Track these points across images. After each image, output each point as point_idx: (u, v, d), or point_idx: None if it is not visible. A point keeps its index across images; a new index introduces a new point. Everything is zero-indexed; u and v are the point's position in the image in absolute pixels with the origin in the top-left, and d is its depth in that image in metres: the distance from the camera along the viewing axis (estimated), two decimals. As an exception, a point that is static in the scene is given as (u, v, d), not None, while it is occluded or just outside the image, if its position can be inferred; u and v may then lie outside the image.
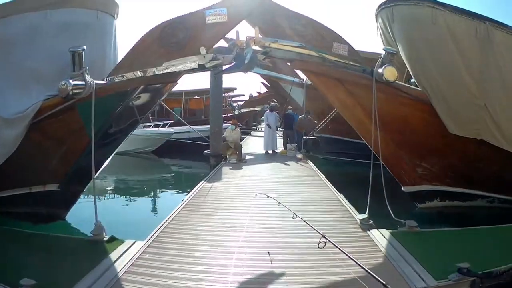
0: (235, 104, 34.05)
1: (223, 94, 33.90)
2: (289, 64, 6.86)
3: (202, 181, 8.62)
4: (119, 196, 12.13)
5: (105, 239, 5.04)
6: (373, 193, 5.98)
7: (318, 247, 3.04)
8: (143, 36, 6.40)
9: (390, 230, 5.21)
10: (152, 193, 12.77)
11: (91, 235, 5.15)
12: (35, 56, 6.32)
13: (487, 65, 6.55)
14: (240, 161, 11.77)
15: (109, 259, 4.33)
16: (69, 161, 6.84)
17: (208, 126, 13.11)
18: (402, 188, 7.81)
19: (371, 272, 2.64)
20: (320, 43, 6.67)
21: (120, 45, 7.70)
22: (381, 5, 7.31)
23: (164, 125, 21.15)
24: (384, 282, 2.51)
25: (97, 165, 7.25)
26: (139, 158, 19.77)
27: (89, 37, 6.63)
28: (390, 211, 5.78)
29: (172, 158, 19.75)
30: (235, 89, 33.45)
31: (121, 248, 4.68)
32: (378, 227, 5.36)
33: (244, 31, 6.55)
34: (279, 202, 4.74)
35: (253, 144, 18.47)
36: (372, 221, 5.33)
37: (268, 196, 5.04)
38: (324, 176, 9.56)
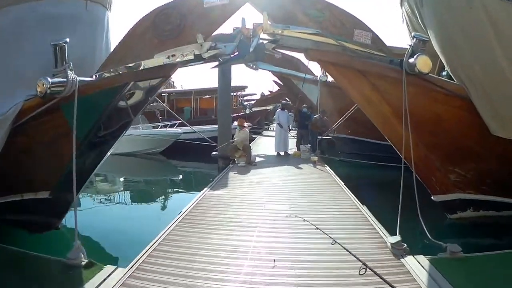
0: (246, 103, 33.34)
1: (234, 93, 33.64)
2: (304, 55, 5.84)
3: (205, 189, 7.71)
4: (115, 202, 11.35)
5: (82, 263, 4.22)
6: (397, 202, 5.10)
7: (359, 273, 2.69)
8: (134, 26, 5.57)
9: (428, 257, 4.24)
10: (153, 200, 11.86)
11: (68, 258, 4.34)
12: (19, 53, 5.79)
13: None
14: (249, 164, 10.85)
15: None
16: (59, 167, 6.17)
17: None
18: (432, 197, 6.84)
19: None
20: (339, 30, 5.73)
21: (117, 40, 7.02)
22: (408, -13, 6.37)
23: (172, 125, 20.38)
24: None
25: (88, 171, 6.73)
26: (146, 159, 19.12)
27: (77, 30, 6.07)
28: (425, 229, 4.82)
29: (181, 160, 19.06)
30: (246, 87, 32.50)
31: (99, 276, 3.89)
32: (411, 250, 4.40)
33: (251, 17, 5.65)
34: (300, 219, 4.12)
35: (264, 145, 17.42)
36: (405, 245, 4.33)
37: (292, 216, 4.61)
38: (343, 183, 8.51)
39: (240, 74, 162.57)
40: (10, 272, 4.26)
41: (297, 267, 4.10)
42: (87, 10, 6.33)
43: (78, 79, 5.14)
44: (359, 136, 15.49)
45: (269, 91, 38.28)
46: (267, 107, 31.33)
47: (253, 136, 24.70)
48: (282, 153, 13.68)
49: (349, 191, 7.57)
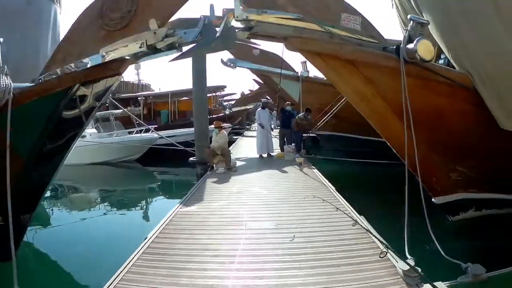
0: (225, 103, 32.46)
1: (213, 94, 32.75)
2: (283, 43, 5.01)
3: (176, 205, 6.53)
4: (83, 217, 10.42)
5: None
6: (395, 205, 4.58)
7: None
8: (78, 17, 4.66)
9: (448, 283, 3.46)
10: (126, 215, 10.78)
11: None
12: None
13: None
14: (229, 170, 9.88)
15: None
16: (5, 188, 5.26)
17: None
18: (433, 200, 6.13)
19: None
20: (324, 14, 4.92)
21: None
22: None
23: (147, 130, 19.31)
24: None
25: (40, 187, 6.15)
26: (120, 168, 18.04)
27: (17, 27, 5.31)
28: (438, 245, 4.07)
29: (158, 166, 18.02)
30: (224, 87, 31.52)
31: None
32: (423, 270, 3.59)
33: (221, 2, 4.77)
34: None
35: (246, 147, 16.43)
36: (419, 269, 3.49)
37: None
38: (334, 188, 7.53)
39: (219, 74, 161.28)
40: None
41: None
42: (30, 4, 5.58)
43: (12, 86, 4.34)
44: (343, 132, 14.93)
45: (250, 90, 37.44)
46: (248, 107, 30.49)
47: (234, 137, 23.88)
48: (264, 155, 12.81)
49: (342, 198, 6.68)
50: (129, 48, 4.28)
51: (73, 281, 5.87)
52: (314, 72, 15.59)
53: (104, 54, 4.51)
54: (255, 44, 5.31)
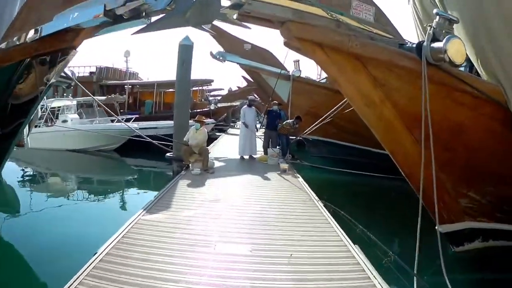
0: (211, 98, 31.44)
1: (199, 87, 31.71)
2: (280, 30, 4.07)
3: (139, 211, 5.50)
4: (54, 206, 9.48)
5: None
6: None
7: None
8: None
9: None
10: (98, 207, 9.88)
11: None
12: None
13: None
14: (206, 171, 8.84)
15: None
16: None
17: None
18: (436, 227, 5.26)
19: None
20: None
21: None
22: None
23: (127, 120, 18.16)
24: None
25: None
26: (97, 156, 17.07)
27: None
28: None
29: (136, 158, 16.90)
30: (212, 81, 30.43)
31: None
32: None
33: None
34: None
35: (228, 145, 15.36)
36: None
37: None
38: (321, 205, 6.46)
39: (207, 68, 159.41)
40: None
41: None
42: None
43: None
44: (331, 138, 14.17)
45: (238, 86, 36.41)
46: (234, 103, 29.55)
47: (217, 134, 22.96)
48: (246, 157, 11.84)
49: (331, 218, 5.66)
50: (83, 13, 3.30)
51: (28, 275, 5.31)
52: (306, 73, 14.89)
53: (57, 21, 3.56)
54: (246, 26, 4.34)
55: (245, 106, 12.60)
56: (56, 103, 18.33)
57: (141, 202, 6.37)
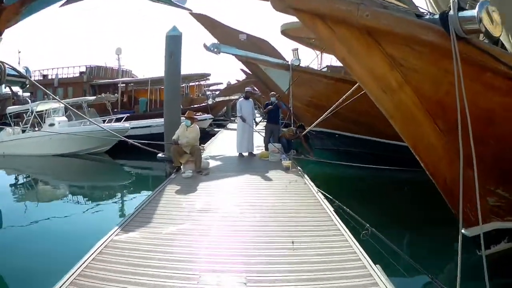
0: (209, 93, 30.73)
1: (196, 83, 30.93)
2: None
3: (114, 228, 4.62)
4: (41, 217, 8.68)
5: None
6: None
7: None
8: None
9: None
10: (84, 216, 9.20)
11: None
12: None
13: None
14: (199, 173, 7.98)
15: None
16: None
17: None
18: (463, 231, 4.51)
19: None
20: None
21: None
22: None
23: (118, 119, 17.38)
24: None
25: None
26: (87, 160, 16.17)
27: None
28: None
29: (129, 159, 16.15)
30: (209, 75, 29.69)
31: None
32: None
33: None
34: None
35: (227, 141, 14.50)
36: None
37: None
38: (332, 210, 5.47)
39: (205, 62, 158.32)
40: None
41: None
42: None
43: None
44: (334, 129, 13.49)
45: (237, 80, 35.66)
46: (233, 97, 28.83)
47: (216, 129, 22.25)
48: (245, 154, 11.07)
49: (343, 226, 4.73)
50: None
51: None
52: (306, 62, 14.27)
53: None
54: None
55: (241, 98, 11.81)
56: (41, 106, 17.32)
57: (131, 209, 5.72)
